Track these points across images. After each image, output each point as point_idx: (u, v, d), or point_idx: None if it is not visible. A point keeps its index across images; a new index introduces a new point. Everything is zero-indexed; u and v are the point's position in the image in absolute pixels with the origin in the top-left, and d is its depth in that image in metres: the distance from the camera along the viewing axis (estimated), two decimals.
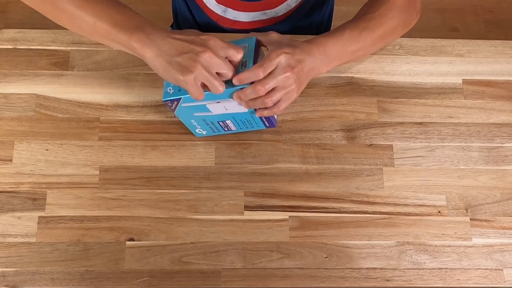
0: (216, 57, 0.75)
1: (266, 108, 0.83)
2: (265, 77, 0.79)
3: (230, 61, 0.78)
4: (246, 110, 0.85)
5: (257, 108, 0.84)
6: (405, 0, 0.93)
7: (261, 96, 0.80)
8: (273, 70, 0.80)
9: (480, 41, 1.07)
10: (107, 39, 0.81)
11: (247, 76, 0.78)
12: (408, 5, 0.94)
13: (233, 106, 0.84)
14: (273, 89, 0.81)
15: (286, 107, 0.85)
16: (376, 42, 0.93)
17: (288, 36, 0.87)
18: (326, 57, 0.86)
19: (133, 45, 0.78)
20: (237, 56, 0.77)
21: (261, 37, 0.84)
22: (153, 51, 0.77)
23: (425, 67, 1.04)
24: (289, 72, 0.80)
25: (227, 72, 0.77)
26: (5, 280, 0.87)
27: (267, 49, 0.83)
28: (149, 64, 0.79)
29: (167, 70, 0.76)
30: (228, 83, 0.79)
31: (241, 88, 0.80)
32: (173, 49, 0.76)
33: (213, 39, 0.76)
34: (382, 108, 1.01)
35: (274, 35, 0.84)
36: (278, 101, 0.83)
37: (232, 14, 1.06)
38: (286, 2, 1.05)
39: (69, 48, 1.01)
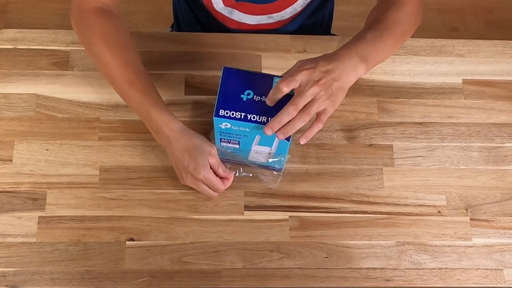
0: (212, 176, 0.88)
1: (310, 129, 0.82)
2: (294, 98, 0.79)
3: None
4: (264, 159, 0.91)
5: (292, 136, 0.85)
6: (414, 1, 0.93)
7: (297, 115, 0.80)
8: (299, 89, 0.80)
9: (480, 41, 1.07)
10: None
11: (272, 94, 0.80)
12: (416, 2, 0.94)
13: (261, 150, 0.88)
14: (307, 106, 0.80)
15: (326, 119, 0.83)
16: (396, 41, 0.93)
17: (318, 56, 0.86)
18: (360, 58, 0.85)
19: (159, 141, 0.90)
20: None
21: (289, 70, 0.83)
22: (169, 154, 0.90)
23: (425, 67, 1.04)
24: (315, 86, 0.80)
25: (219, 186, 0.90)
26: (5, 280, 0.87)
27: None
28: None
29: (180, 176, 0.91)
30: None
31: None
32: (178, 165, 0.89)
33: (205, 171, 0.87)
34: (382, 108, 1.01)
35: (298, 62, 0.84)
36: (319, 118, 0.83)
37: (238, 16, 1.06)
38: (291, 6, 1.05)
39: (69, 48, 1.01)
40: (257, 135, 0.83)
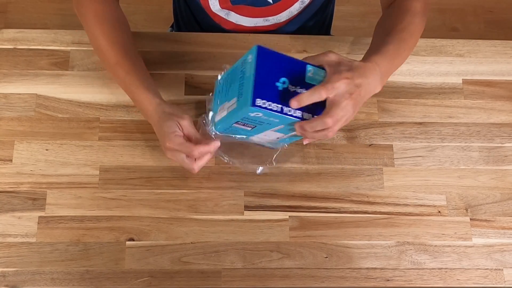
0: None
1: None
2: (331, 109, 0.76)
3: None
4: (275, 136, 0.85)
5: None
6: (423, 4, 0.92)
7: (325, 129, 0.78)
8: (335, 99, 0.76)
9: (480, 41, 1.07)
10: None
11: (308, 96, 0.75)
12: (425, 8, 0.93)
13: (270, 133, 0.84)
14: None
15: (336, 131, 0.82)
16: (410, 50, 0.92)
17: (345, 57, 0.82)
18: (381, 76, 0.83)
19: (146, 119, 0.91)
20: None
21: (318, 58, 0.80)
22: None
23: (425, 67, 1.04)
24: (348, 100, 0.77)
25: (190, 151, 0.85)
26: (5, 280, 0.87)
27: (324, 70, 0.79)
28: None
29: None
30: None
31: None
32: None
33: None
34: (382, 108, 1.01)
35: (332, 56, 0.80)
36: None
37: (235, 18, 1.06)
38: (288, 9, 1.05)
39: (69, 48, 1.01)
40: (280, 125, 0.78)
